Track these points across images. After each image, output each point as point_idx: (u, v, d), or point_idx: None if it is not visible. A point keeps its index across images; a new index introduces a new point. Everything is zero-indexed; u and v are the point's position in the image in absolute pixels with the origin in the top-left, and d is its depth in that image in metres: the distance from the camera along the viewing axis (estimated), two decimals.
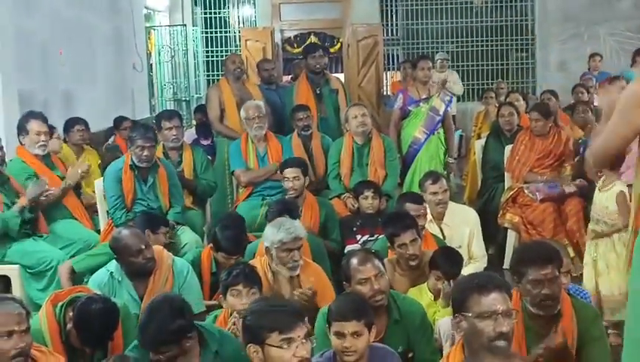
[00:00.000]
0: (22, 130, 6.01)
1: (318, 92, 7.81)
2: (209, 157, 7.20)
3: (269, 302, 3.50)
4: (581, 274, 5.35)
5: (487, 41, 13.29)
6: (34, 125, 5.97)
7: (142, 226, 5.29)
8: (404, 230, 4.58)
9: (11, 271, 5.59)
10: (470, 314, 3.03)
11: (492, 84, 12.00)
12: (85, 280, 5.25)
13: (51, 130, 6.38)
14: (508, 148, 7.09)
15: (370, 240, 5.73)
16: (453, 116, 9.11)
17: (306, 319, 3.17)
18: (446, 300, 3.64)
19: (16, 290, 5.50)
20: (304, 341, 3.01)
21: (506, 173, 7.04)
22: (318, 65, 7.87)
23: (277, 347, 2.98)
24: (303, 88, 7.82)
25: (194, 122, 9.25)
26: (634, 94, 3.17)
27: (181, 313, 3.49)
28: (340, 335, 3.34)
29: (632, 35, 10.61)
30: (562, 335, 3.49)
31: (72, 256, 5.57)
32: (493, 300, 3.02)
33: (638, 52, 8.57)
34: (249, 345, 3.09)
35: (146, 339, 3.48)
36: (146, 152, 6.01)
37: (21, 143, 6.02)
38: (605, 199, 5.00)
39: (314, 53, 7.99)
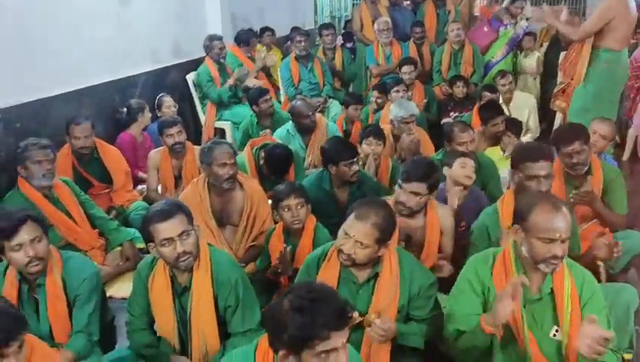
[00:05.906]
0: (238, 39, 6.09)
1: (438, 12, 7.36)
2: (352, 55, 6.99)
3: None
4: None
5: None
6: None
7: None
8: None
9: (226, 125, 5.78)
10: (522, 174, 2.87)
11: None
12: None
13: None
14: (562, 54, 6.56)
15: (460, 116, 5.50)
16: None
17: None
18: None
19: (229, 137, 5.68)
20: None
21: (559, 72, 6.51)
22: None
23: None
24: (429, 8, 7.33)
25: (342, 31, 8.95)
26: (608, 4, 4.26)
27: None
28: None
29: None
30: (591, 187, 3.25)
31: None
32: (539, 167, 2.82)
33: None
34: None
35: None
36: (303, 44, 6.06)
37: (235, 44, 6.09)
38: None
39: None
